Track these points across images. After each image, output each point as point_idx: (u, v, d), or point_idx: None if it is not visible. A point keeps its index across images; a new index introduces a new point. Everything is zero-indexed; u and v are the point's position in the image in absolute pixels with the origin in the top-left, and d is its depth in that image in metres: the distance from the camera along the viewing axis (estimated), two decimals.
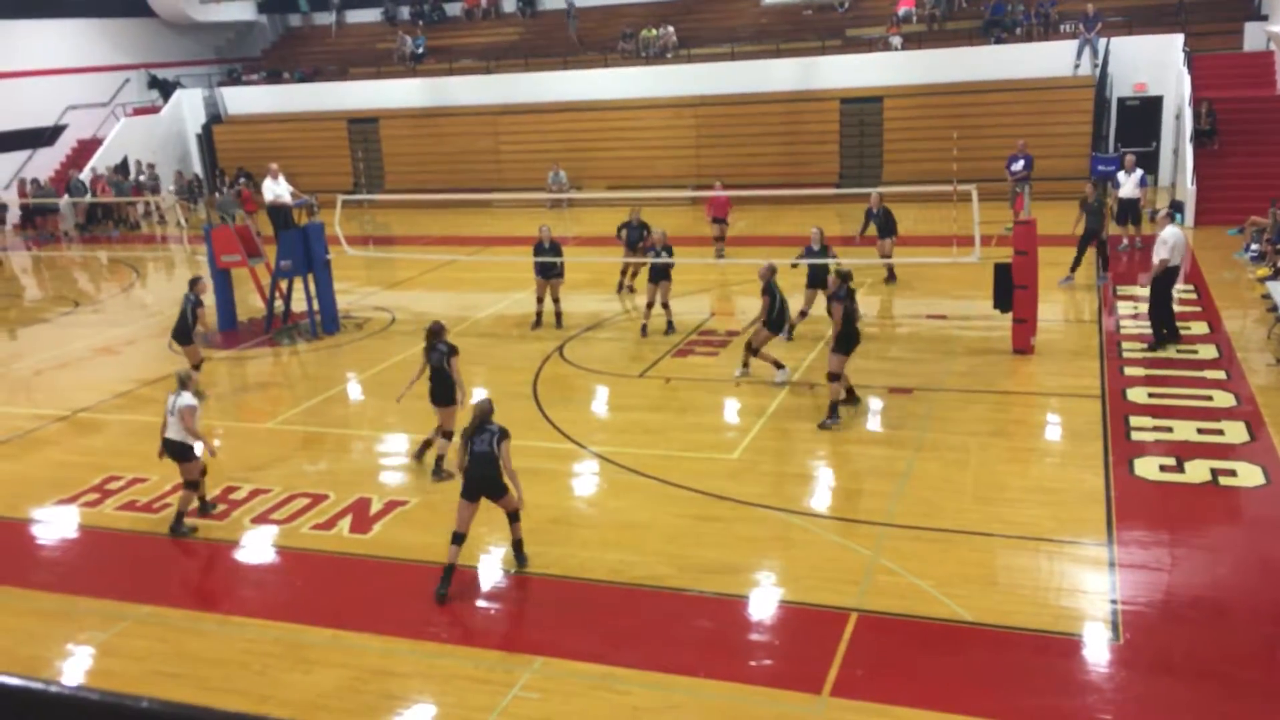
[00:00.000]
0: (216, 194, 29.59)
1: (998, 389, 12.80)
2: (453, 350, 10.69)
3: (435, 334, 10.80)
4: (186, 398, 9.84)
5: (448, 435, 10.76)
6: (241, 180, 31.49)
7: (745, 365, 13.60)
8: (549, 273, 16.29)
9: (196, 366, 13.64)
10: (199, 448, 10.02)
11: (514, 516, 8.93)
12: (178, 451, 9.93)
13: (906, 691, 6.89)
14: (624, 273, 18.68)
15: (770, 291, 12.93)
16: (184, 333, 13.82)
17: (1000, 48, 27.18)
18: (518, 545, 9.00)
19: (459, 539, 8.60)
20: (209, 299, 17.97)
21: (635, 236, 17.58)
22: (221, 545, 9.75)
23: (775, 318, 13.02)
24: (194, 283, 14.00)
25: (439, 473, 10.83)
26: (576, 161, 29.20)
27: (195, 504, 10.19)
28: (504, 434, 8.62)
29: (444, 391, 10.74)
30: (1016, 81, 26.22)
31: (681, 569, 8.69)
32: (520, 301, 18.04)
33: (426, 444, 11.27)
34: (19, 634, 8.42)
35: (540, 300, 16.49)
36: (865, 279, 17.60)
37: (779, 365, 13.27)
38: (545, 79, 30.52)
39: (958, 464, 10.60)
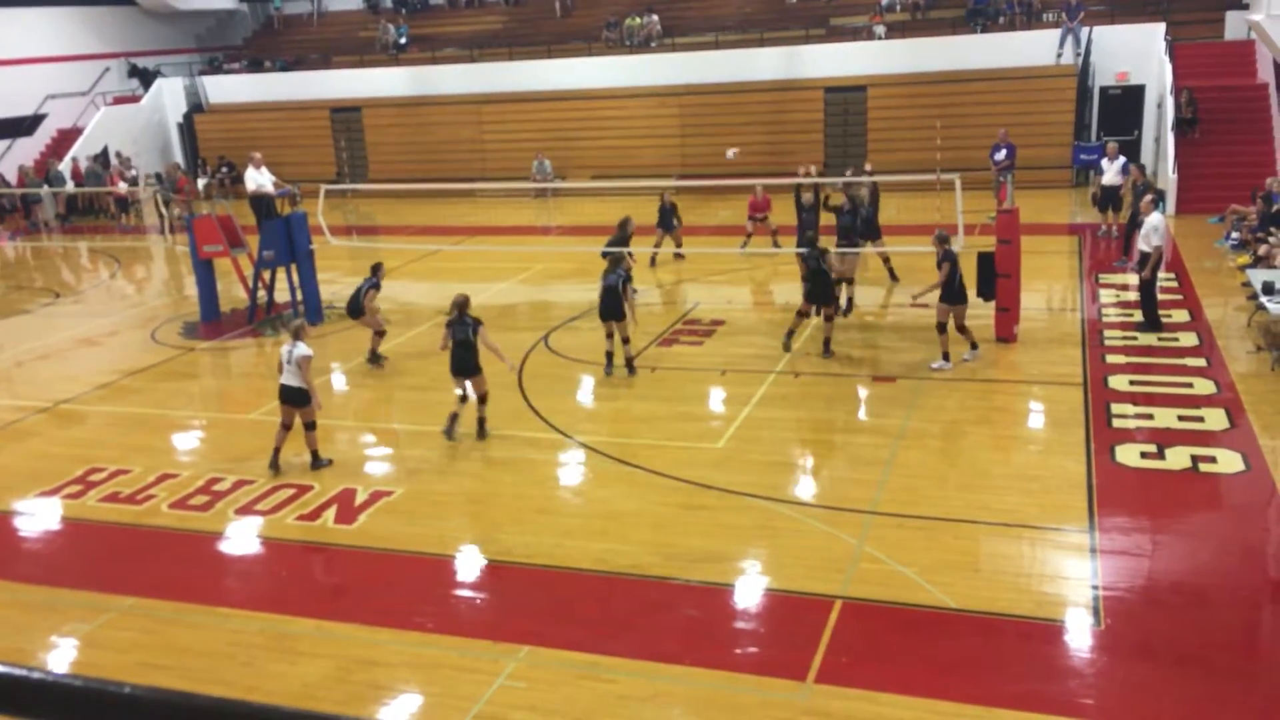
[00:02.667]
0: (156, 182, 29.30)
1: (981, 377, 12.86)
2: (479, 323, 11.52)
3: (460, 307, 11.52)
4: (302, 348, 10.68)
5: (482, 399, 11.71)
6: (224, 169, 31.30)
7: (966, 351, 13.29)
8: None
9: (380, 333, 14.39)
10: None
11: (483, 399, 11.44)
12: (296, 397, 10.80)
13: (890, 678, 6.94)
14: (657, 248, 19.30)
15: (949, 259, 13.03)
16: (355, 308, 14.14)
17: (983, 37, 27.22)
18: (481, 423, 11.41)
19: (462, 399, 11.45)
20: (191, 289, 17.91)
21: (668, 219, 18.90)
22: (206, 536, 9.72)
23: (957, 288, 13.02)
24: (376, 268, 14.24)
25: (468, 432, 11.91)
26: (561, 151, 29.11)
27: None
28: (479, 323, 11.25)
29: (471, 361, 11.45)
30: (999, 71, 26.28)
31: (667, 558, 8.72)
32: (504, 292, 18.02)
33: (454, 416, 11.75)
34: (3, 626, 8.39)
35: None
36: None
37: (973, 345, 13.30)
38: (529, 68, 30.41)
39: (941, 452, 10.66)
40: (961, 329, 13.28)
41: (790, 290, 18.13)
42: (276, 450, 11.02)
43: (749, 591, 8.28)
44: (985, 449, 10.82)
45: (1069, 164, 25.23)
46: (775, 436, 11.37)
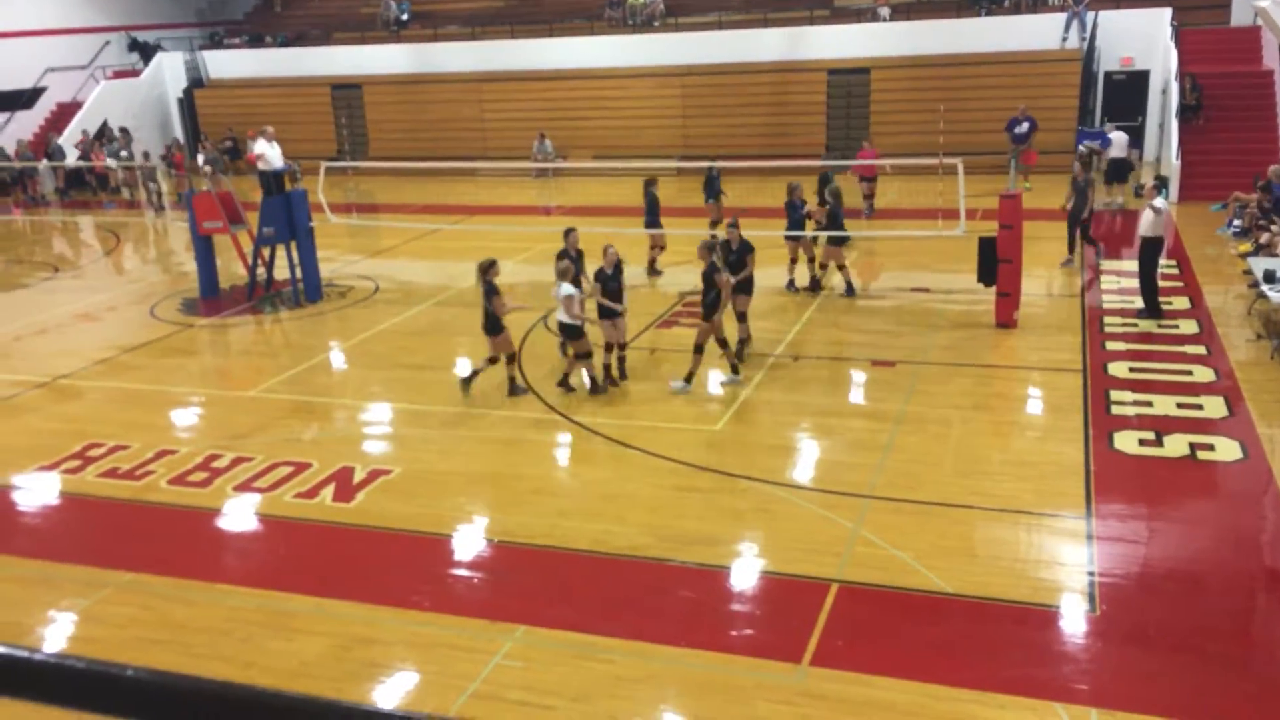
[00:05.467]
0: (155, 158, 29.04)
1: (980, 363, 12.86)
2: (494, 289, 11.96)
3: (485, 270, 12.05)
4: (565, 288, 11.72)
5: (493, 361, 12.31)
6: (228, 142, 31.16)
7: (726, 374, 12.32)
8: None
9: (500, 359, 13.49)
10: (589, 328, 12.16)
11: (493, 361, 12.22)
12: (569, 332, 12.02)
13: (885, 661, 6.97)
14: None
15: (706, 275, 11.93)
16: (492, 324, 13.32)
17: (988, 20, 27.10)
18: (510, 380, 12.27)
19: (491, 361, 12.22)
20: (190, 265, 17.89)
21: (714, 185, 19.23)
22: (204, 513, 9.73)
23: (710, 302, 11.88)
24: (568, 234, 13.51)
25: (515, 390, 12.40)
26: (562, 130, 29.02)
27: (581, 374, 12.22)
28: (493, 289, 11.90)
29: (491, 322, 12.08)
30: (1004, 54, 26.16)
31: (663, 539, 8.73)
32: (504, 271, 17.92)
33: (475, 373, 12.44)
34: (0, 601, 8.41)
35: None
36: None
37: (734, 369, 12.36)
38: (530, 46, 30.27)
39: (939, 437, 10.67)
40: (723, 343, 12.12)
41: (782, 273, 18.13)
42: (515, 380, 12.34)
43: (745, 574, 8.30)
44: (983, 434, 10.83)
45: (1072, 149, 25.15)
46: (773, 420, 11.37)
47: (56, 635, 7.95)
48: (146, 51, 34.04)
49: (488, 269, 12.00)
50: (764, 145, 26.91)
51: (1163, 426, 10.61)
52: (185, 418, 12.45)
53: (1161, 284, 14.54)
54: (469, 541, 9.03)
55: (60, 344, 15.55)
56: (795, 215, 15.67)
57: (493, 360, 12.25)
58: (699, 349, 12.07)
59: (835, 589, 7.86)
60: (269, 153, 17.49)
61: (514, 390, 12.24)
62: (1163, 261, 15.00)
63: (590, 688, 6.88)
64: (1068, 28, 25.93)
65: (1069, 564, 8.15)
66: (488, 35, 31.33)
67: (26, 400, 13.06)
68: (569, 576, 8.36)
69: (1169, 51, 24.09)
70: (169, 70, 33.79)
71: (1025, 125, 22.14)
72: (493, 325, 12.00)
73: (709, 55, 28.51)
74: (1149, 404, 11.20)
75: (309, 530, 9.35)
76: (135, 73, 33.53)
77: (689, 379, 12.08)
